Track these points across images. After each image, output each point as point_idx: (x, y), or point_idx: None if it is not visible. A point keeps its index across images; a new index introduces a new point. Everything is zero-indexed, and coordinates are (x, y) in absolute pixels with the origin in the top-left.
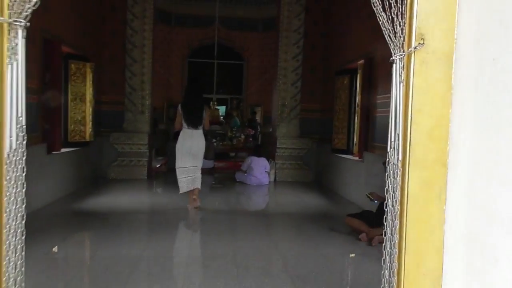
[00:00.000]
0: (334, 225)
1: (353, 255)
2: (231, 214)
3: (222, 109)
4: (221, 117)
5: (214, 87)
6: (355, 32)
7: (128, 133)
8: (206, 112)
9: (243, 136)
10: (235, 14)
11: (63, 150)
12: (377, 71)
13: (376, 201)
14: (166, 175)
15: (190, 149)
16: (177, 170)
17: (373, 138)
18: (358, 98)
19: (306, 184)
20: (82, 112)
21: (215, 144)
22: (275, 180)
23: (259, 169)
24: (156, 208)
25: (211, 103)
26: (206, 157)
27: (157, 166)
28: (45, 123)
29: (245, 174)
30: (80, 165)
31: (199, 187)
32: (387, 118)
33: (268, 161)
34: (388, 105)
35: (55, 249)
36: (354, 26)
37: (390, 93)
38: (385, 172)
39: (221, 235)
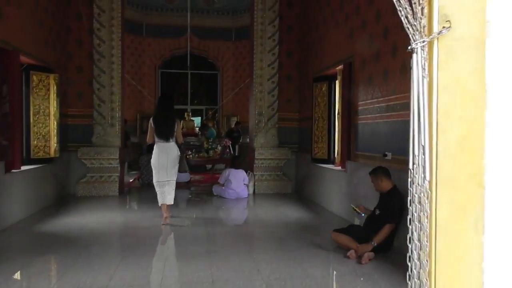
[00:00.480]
0: (319, 241)
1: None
2: (208, 232)
3: (197, 120)
4: (197, 128)
5: (189, 97)
6: (332, 37)
7: (97, 148)
8: (178, 125)
9: (219, 147)
10: (207, 23)
11: (24, 167)
12: (357, 76)
13: (363, 214)
14: (140, 191)
15: (166, 163)
16: (154, 183)
17: (356, 146)
18: (338, 105)
19: (286, 196)
20: (46, 126)
21: (190, 156)
22: (254, 192)
23: (238, 181)
24: (127, 228)
25: (185, 114)
26: (179, 169)
27: (130, 180)
28: (2, 139)
29: (223, 188)
30: (44, 183)
31: (170, 203)
32: (369, 125)
33: (246, 173)
34: (368, 111)
35: (16, 275)
36: (331, 31)
37: (372, 99)
38: (372, 182)
39: (198, 257)
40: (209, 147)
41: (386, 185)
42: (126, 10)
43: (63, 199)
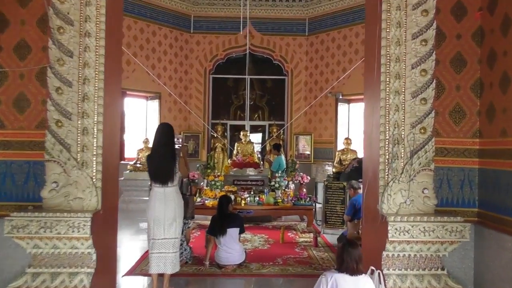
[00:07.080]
0: None
1: None
2: None
3: (257, 137)
4: (258, 154)
5: (247, 111)
6: None
7: (48, 215)
8: (180, 160)
9: (292, 187)
10: (272, 14)
11: None
12: None
13: None
14: None
15: (164, 215)
16: (148, 242)
17: None
18: None
19: None
20: None
21: (248, 200)
22: None
23: None
24: None
25: (242, 133)
26: (185, 215)
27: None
28: None
29: None
30: None
31: (171, 272)
32: None
33: (369, 273)
34: None
35: None
36: None
37: None
38: None
39: None
40: (276, 185)
41: None
42: (170, 0)
43: None
